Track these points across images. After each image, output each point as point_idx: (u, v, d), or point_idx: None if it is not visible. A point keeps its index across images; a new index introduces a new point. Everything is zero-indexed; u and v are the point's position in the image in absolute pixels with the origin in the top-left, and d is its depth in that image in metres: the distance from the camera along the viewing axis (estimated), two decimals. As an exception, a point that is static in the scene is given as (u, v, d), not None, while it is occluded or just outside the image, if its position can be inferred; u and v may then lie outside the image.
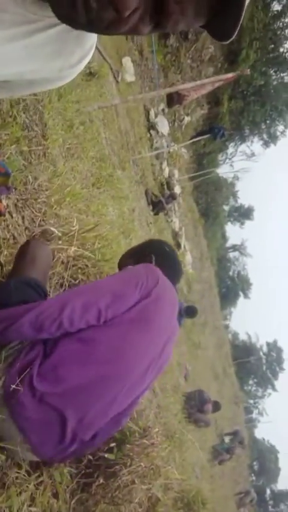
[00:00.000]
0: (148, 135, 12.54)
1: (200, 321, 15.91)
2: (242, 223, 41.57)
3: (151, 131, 12.92)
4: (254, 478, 38.42)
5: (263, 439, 41.53)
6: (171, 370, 6.44)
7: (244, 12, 0.63)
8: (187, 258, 17.37)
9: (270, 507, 39.01)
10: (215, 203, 30.14)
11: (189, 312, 6.94)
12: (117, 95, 8.11)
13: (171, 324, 1.73)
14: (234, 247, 41.22)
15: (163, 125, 14.03)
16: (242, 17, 0.64)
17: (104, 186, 4.70)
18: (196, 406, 7.30)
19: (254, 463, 38.48)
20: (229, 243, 40.93)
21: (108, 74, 7.87)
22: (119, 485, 1.81)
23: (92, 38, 0.82)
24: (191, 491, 4.81)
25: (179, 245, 16.14)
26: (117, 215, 4.68)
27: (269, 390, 40.78)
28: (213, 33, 0.69)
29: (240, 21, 0.64)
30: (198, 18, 0.65)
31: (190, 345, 12.22)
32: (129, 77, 9.57)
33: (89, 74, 6.06)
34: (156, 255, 1.98)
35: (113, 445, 1.95)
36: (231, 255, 41.66)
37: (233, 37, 0.67)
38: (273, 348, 40.65)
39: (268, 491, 40.04)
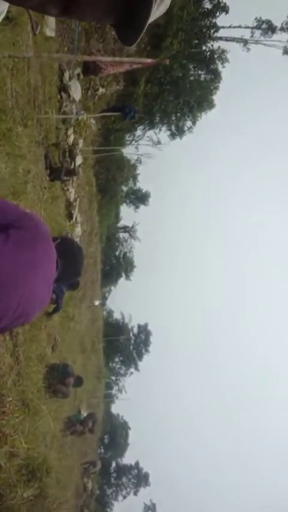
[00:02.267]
0: (59, 96, 12.05)
1: (78, 294, 15.96)
2: (137, 207, 42.34)
3: (62, 93, 12.43)
4: (102, 450, 40.05)
5: (118, 415, 43.38)
6: (38, 340, 6.40)
7: (146, 27, 0.68)
8: (76, 230, 17.23)
9: (112, 479, 41.06)
10: (114, 182, 30.21)
11: (71, 283, 6.91)
12: (33, 48, 7.66)
13: (47, 271, 1.72)
14: (125, 229, 41.82)
15: (76, 90, 13.59)
16: (144, 29, 0.68)
17: (0, 140, 4.43)
18: (58, 378, 7.34)
19: (105, 436, 40.06)
20: (121, 224, 41.47)
21: (27, 24, 7.38)
22: None
23: None
24: (37, 459, 4.87)
25: (71, 216, 15.92)
26: (9, 173, 4.45)
27: (132, 369, 42.67)
28: (119, 35, 0.73)
29: (142, 34, 0.69)
30: (108, 16, 0.69)
31: (64, 317, 12.20)
32: (49, 31, 9.07)
33: (6, 18, 5.61)
34: (63, 240, 1.97)
35: None
36: (121, 235, 42.27)
37: (134, 44, 0.72)
38: (143, 330, 42.47)
39: (114, 464, 42.06)
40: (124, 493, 41.52)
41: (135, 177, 37.44)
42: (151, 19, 0.67)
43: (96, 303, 20.28)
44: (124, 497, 41.22)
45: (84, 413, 19.05)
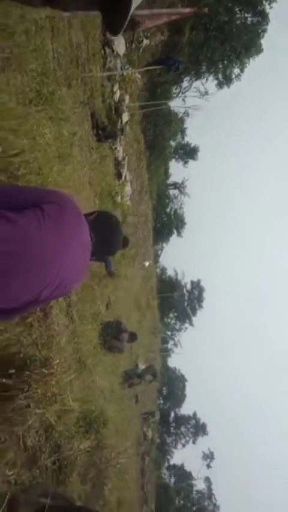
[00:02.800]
0: (102, 52, 11.77)
1: (131, 253, 16.16)
2: (186, 162, 41.47)
3: (106, 49, 12.11)
4: (161, 401, 41.54)
5: (175, 368, 44.57)
6: (92, 299, 6.60)
7: (129, 15, 0.71)
8: (126, 190, 17.22)
9: (172, 428, 42.72)
10: (162, 137, 29.61)
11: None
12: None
13: (81, 239, 1.75)
14: (175, 185, 41.27)
15: (120, 44, 13.19)
16: (127, 18, 0.72)
17: (43, 104, 4.42)
18: (112, 334, 7.59)
19: (164, 388, 41.39)
20: (170, 180, 40.91)
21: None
22: (14, 408, 1.90)
23: None
24: (94, 412, 5.13)
25: (120, 175, 15.89)
26: (54, 138, 4.46)
27: (186, 325, 43.34)
28: (104, 23, 0.80)
29: (125, 22, 0.73)
30: (90, 7, 0.74)
31: (117, 276, 12.46)
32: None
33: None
34: (99, 215, 1.98)
35: (12, 371, 2.01)
36: (171, 192, 41.83)
37: (120, 33, 0.80)
38: (196, 286, 42.67)
39: (172, 414, 43.62)
40: (183, 441, 43.16)
41: (183, 131, 36.49)
42: (133, 5, 0.69)
43: (147, 264, 20.43)
44: (183, 445, 42.92)
45: (142, 367, 19.72)
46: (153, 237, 30.67)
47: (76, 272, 1.76)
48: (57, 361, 2.57)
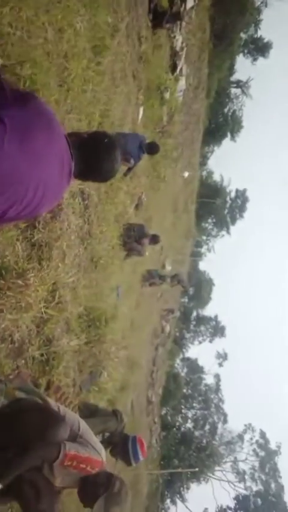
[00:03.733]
0: None
1: (173, 154, 15.67)
2: (255, 59, 37.93)
3: None
4: (186, 300, 43.19)
5: (204, 271, 45.52)
6: (115, 202, 6.57)
7: None
8: (180, 84, 16.16)
9: (192, 326, 44.85)
10: (233, 27, 26.91)
11: (150, 148, 6.74)
12: None
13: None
14: (238, 83, 38.28)
15: None
16: None
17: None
18: (134, 237, 7.67)
19: (191, 288, 42.75)
20: (234, 78, 37.90)
21: None
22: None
23: None
24: (98, 309, 5.38)
25: (175, 67, 14.84)
26: (86, 28, 4.11)
27: (223, 232, 43.15)
28: None
29: None
30: None
31: (154, 177, 12.22)
32: None
33: None
34: (93, 136, 1.85)
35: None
36: (233, 90, 38.98)
37: None
38: (241, 196, 41.61)
39: (194, 313, 45.53)
40: (200, 339, 45.52)
41: (257, 23, 32.90)
42: None
43: (186, 174, 19.82)
44: (200, 342, 45.35)
45: (168, 267, 20.21)
46: (204, 138, 29.36)
47: (49, 193, 1.68)
48: (33, 274, 2.64)
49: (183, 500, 32.35)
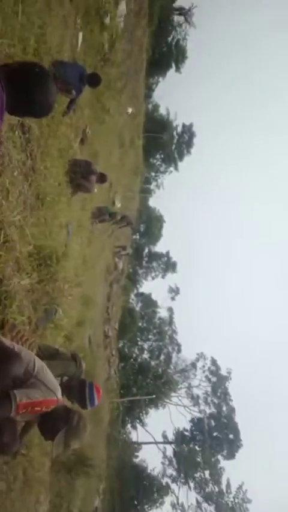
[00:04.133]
0: None
1: (117, 85, 15.07)
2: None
3: None
4: (138, 237, 43.51)
5: (154, 208, 45.63)
6: (58, 136, 6.29)
7: None
8: (120, 9, 15.24)
9: (144, 262, 45.56)
10: None
11: (90, 80, 6.37)
12: None
13: None
14: (181, 11, 36.54)
15: None
16: None
17: None
18: (81, 174, 7.46)
19: (141, 225, 42.96)
20: (176, 4, 36.02)
21: None
22: None
23: None
24: (49, 247, 5.31)
25: (114, -10, 13.88)
26: None
27: (171, 168, 42.85)
28: None
29: None
30: None
31: (98, 108, 11.75)
32: None
33: None
34: (24, 66, 1.70)
35: None
36: (176, 18, 37.22)
37: None
38: (188, 130, 40.98)
39: (146, 250, 46.12)
40: (153, 275, 46.52)
41: None
42: None
43: (130, 111, 19.24)
44: (153, 278, 46.38)
45: (118, 205, 20.08)
46: (148, 69, 28.29)
47: None
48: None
49: (143, 424, 34.45)
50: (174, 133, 41.11)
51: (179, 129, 41.34)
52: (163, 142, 39.16)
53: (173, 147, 41.05)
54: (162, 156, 42.02)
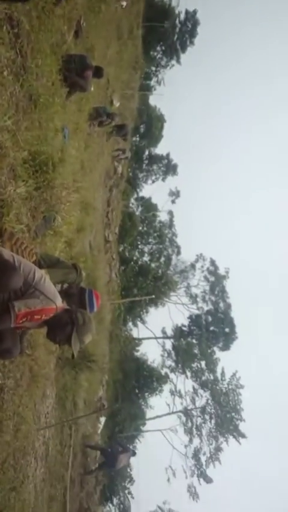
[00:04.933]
0: None
1: None
2: None
3: None
4: (138, 138, 42.12)
5: (155, 107, 43.47)
6: (55, 29, 5.76)
7: None
8: None
9: (144, 165, 44.57)
10: None
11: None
12: None
13: None
14: None
15: None
16: None
17: None
18: (75, 70, 6.98)
19: (141, 126, 41.36)
20: None
21: None
22: None
23: None
24: (45, 153, 5.13)
25: None
26: None
27: (173, 62, 40.02)
28: None
29: None
30: None
31: None
32: None
33: None
34: None
35: None
36: None
37: None
38: (191, 18, 37.54)
39: (146, 152, 44.86)
40: (153, 178, 45.78)
41: None
42: None
43: (124, 4, 17.50)
44: (153, 181, 45.70)
45: (116, 104, 19.16)
46: None
47: None
48: None
49: (143, 322, 36.28)
50: (177, 21, 37.72)
51: (182, 16, 37.87)
52: (164, 31, 36.12)
53: (175, 37, 37.92)
54: (163, 48, 38.97)
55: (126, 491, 26.80)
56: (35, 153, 4.88)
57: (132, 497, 26.74)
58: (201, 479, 27.89)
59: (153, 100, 42.40)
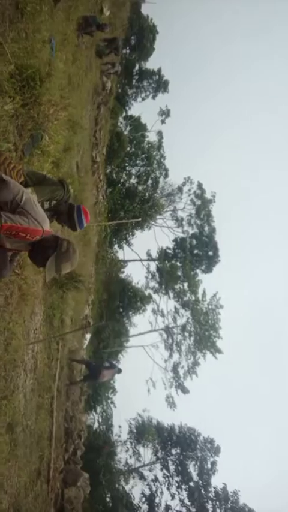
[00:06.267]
0: None
1: None
2: None
3: None
4: (128, 51, 39.73)
5: (147, 16, 40.52)
6: None
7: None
8: None
9: (134, 81, 42.41)
10: None
11: None
12: None
13: None
14: None
15: None
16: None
17: None
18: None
19: (132, 37, 38.86)
20: None
21: None
22: None
23: None
24: (32, 67, 4.89)
25: None
26: None
27: None
28: None
29: None
30: None
31: None
32: None
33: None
34: None
35: None
36: None
37: None
38: None
39: (137, 67, 42.50)
40: (143, 95, 43.83)
41: None
42: None
43: None
44: (143, 99, 43.78)
45: (107, 12, 17.87)
46: None
47: None
48: None
49: (129, 244, 36.62)
50: None
51: None
52: None
53: None
54: None
55: (109, 401, 28.78)
56: (22, 67, 4.66)
57: (115, 407, 28.81)
58: (179, 390, 29.95)
59: (145, 9, 39.45)
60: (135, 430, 29.07)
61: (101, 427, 27.96)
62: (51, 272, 3.01)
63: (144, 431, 28.63)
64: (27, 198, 2.88)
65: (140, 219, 30.30)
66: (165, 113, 41.89)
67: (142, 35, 38.96)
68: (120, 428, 28.94)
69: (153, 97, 43.82)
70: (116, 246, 35.95)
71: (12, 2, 4.35)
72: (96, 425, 27.66)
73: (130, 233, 35.37)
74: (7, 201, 2.70)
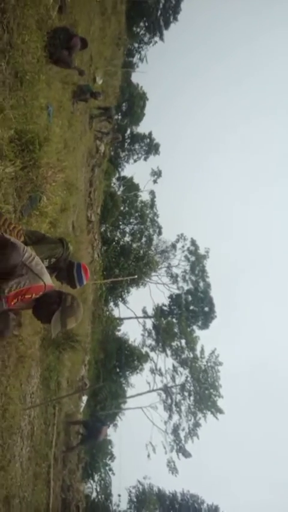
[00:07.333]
0: None
1: None
2: None
3: None
4: (120, 117, 41.54)
5: (138, 84, 42.82)
6: (41, 4, 5.60)
7: None
8: None
9: (126, 144, 44.06)
10: None
11: None
12: None
13: None
14: None
15: None
16: None
17: None
18: (61, 45, 6.82)
19: (124, 104, 40.76)
20: None
21: None
22: None
23: None
24: (31, 132, 5.05)
25: None
26: None
27: (156, 38, 39.29)
28: None
29: None
30: None
31: None
32: None
33: None
34: None
35: None
36: None
37: None
38: (175, -4, 36.78)
39: (128, 131, 44.31)
40: (135, 157, 45.36)
41: None
42: None
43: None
44: (135, 161, 45.29)
45: (99, 81, 18.83)
46: None
47: None
48: None
49: (124, 302, 36.44)
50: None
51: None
52: (148, 7, 35.35)
53: (159, 13, 37.14)
54: (146, 24, 38.20)
55: (107, 468, 27.34)
56: (21, 132, 4.81)
57: (113, 474, 27.32)
58: (180, 454, 28.59)
59: (135, 77, 41.75)
60: (135, 499, 27.48)
61: (99, 496, 26.41)
62: (57, 328, 2.94)
63: (145, 499, 27.08)
64: (28, 253, 2.87)
65: (135, 276, 30.32)
66: (157, 174, 43.13)
67: (133, 102, 40.92)
68: (120, 497, 27.40)
69: (145, 159, 45.35)
70: (111, 304, 35.73)
71: (12, 71, 4.56)
72: (94, 494, 26.15)
73: (125, 290, 35.28)
74: (16, 264, 2.67)
